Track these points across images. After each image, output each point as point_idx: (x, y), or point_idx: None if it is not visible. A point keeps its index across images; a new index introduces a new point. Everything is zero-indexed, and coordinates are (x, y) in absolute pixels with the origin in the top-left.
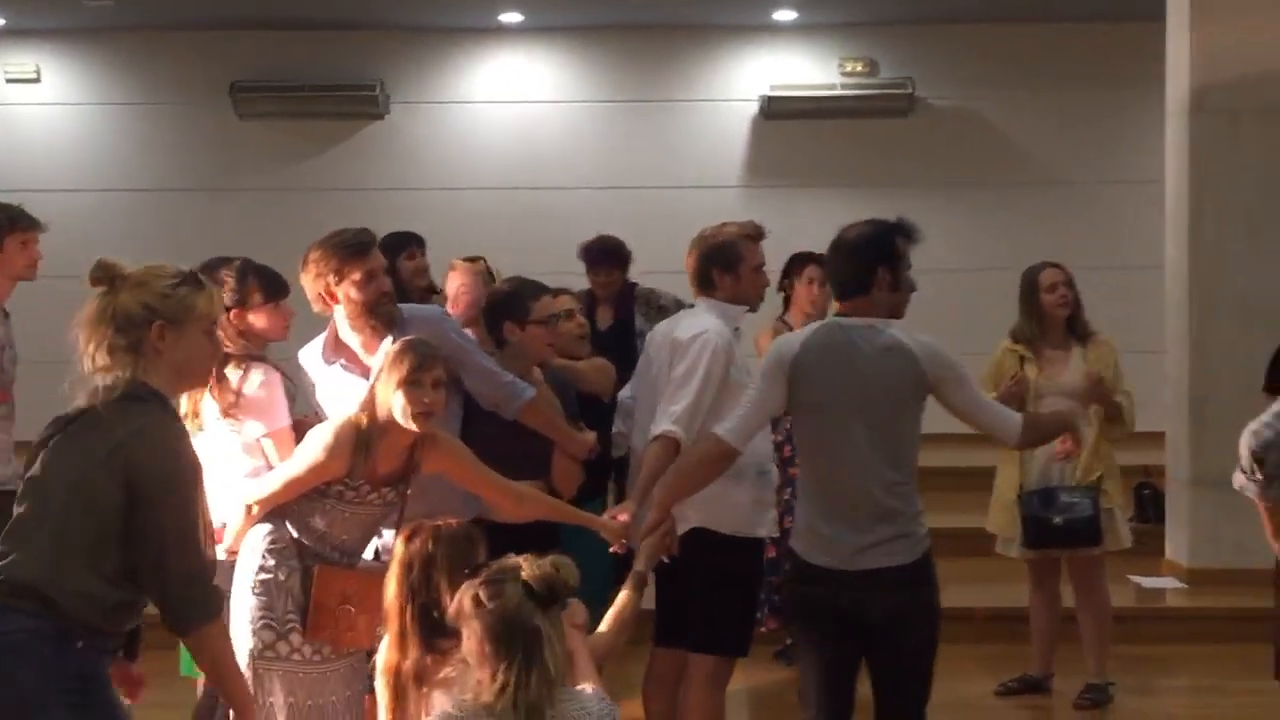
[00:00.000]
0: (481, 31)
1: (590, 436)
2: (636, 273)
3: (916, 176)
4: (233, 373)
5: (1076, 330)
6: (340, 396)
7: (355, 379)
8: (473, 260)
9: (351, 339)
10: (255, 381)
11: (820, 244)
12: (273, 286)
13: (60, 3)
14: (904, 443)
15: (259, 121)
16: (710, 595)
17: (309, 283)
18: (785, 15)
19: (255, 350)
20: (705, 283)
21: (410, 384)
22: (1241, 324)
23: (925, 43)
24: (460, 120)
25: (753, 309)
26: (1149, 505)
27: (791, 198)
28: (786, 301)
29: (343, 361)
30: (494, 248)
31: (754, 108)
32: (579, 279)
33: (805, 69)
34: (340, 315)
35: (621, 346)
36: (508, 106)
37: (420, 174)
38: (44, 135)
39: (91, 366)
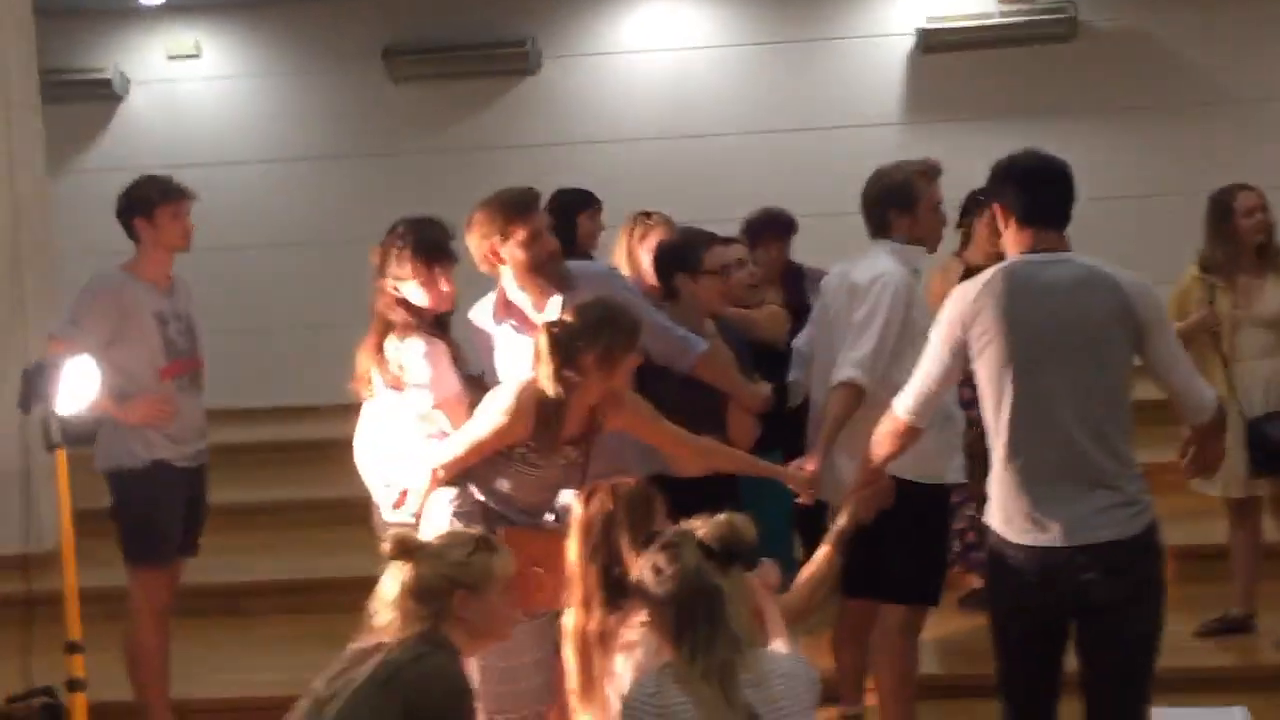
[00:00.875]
0: None
1: (765, 388)
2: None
3: (1082, 104)
4: (392, 346)
5: (1272, 256)
6: (513, 357)
7: (526, 339)
8: (648, 214)
9: (520, 298)
10: (417, 353)
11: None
12: (431, 255)
13: None
14: (1116, 392)
15: (412, 85)
16: (900, 544)
17: (474, 244)
18: None
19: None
20: (881, 224)
21: None
22: None
23: None
24: (611, 72)
25: (931, 249)
26: None
27: (952, 132)
28: (965, 239)
29: (513, 322)
30: (649, 199)
31: (909, 41)
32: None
33: None
34: (508, 275)
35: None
36: (658, 55)
37: (573, 128)
38: (205, 110)
39: (394, 640)
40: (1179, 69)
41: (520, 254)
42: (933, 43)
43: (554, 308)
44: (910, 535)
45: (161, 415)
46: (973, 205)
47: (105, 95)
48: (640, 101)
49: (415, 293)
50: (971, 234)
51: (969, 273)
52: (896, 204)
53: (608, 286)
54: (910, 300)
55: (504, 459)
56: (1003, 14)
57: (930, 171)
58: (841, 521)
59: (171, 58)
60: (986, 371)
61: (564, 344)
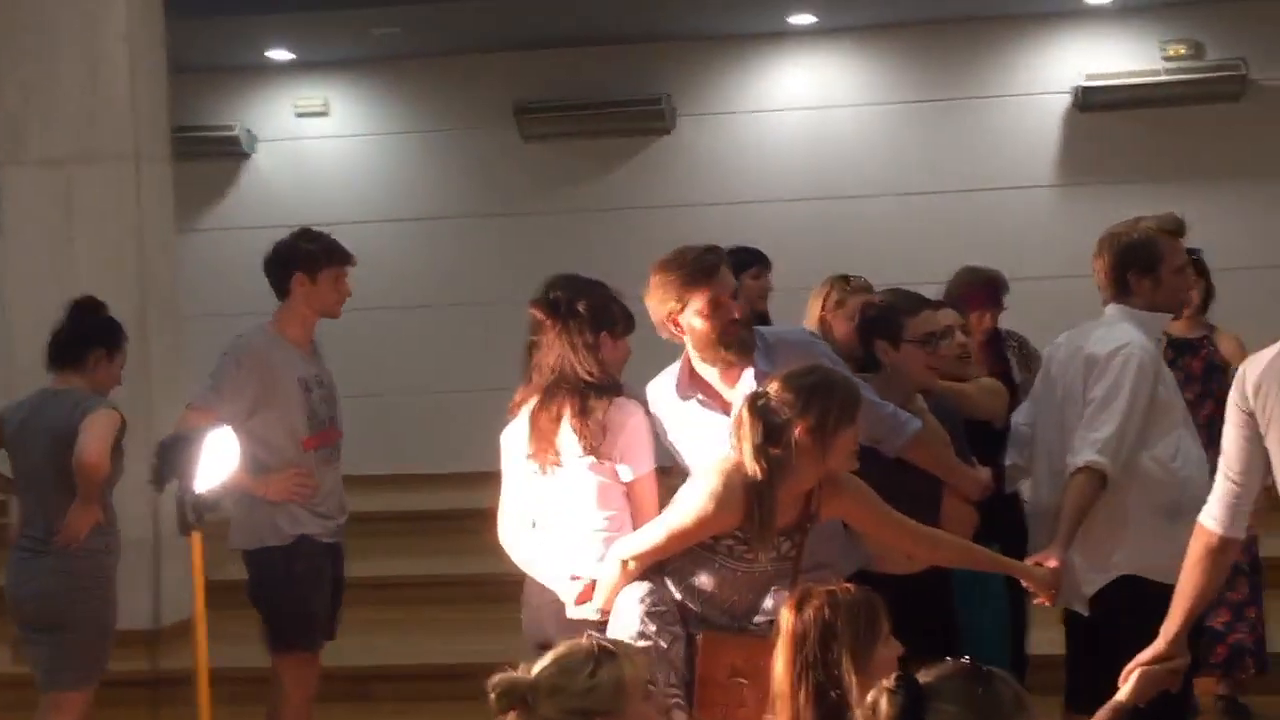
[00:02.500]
0: (770, 36)
1: (985, 473)
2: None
3: (1251, 166)
4: (599, 408)
5: None
6: (700, 436)
7: (715, 415)
8: (846, 279)
9: (707, 371)
10: (624, 416)
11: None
12: (628, 319)
13: (347, 33)
14: None
15: (543, 143)
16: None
17: (652, 309)
18: None
19: (615, 379)
20: (1120, 288)
21: None
22: None
23: (1257, 19)
24: (749, 131)
25: (1176, 315)
26: None
27: (1112, 195)
28: None
29: (700, 396)
30: (788, 262)
31: (1066, 100)
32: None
33: (1123, 55)
34: (689, 346)
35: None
36: (799, 114)
37: (709, 188)
38: (334, 168)
39: None
40: None
41: (701, 324)
42: (1092, 101)
43: (746, 382)
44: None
45: (304, 490)
46: None
47: (232, 153)
48: (779, 161)
49: (609, 355)
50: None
51: (1172, 345)
52: (1137, 265)
53: (809, 355)
54: (1157, 374)
55: (706, 551)
56: (1168, 71)
57: (1174, 228)
58: (1120, 697)
59: (300, 115)
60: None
61: (772, 418)
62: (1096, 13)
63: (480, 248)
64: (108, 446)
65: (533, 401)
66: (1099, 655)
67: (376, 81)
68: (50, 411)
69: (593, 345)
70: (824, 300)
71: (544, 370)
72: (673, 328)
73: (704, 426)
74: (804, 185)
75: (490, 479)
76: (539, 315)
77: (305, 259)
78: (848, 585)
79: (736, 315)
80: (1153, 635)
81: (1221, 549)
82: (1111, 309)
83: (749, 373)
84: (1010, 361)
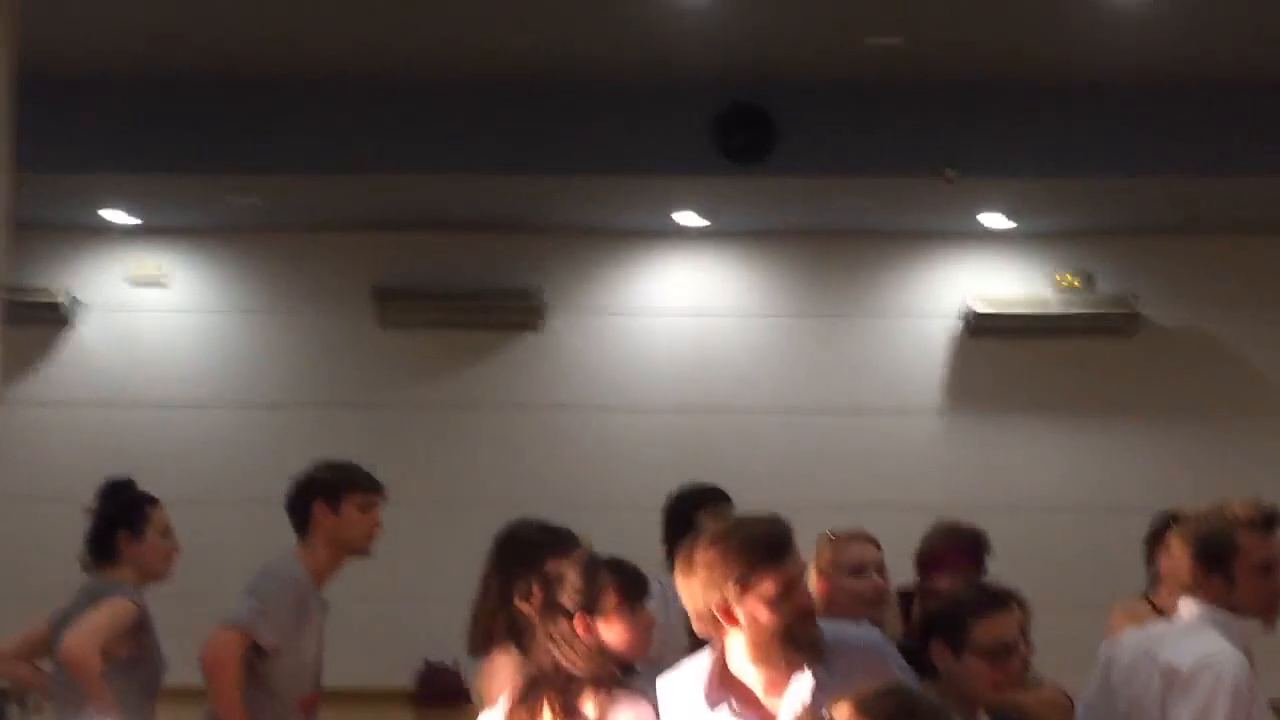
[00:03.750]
0: (654, 235)
1: None
2: (830, 507)
3: (1140, 403)
4: (591, 708)
5: None
6: None
7: None
8: (855, 534)
9: (749, 672)
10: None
11: (1030, 476)
12: (633, 587)
13: (195, 198)
14: None
15: (404, 331)
16: None
17: (694, 593)
18: (994, 221)
19: (611, 671)
20: (1195, 581)
21: None
22: None
23: (1149, 254)
24: (628, 333)
25: (1269, 623)
26: None
27: (999, 424)
28: (1154, 575)
29: (732, 702)
30: (663, 474)
31: (957, 324)
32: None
33: (1015, 281)
34: (737, 641)
35: None
36: (682, 319)
37: (582, 391)
38: (170, 344)
39: None
40: (1246, 374)
41: (766, 614)
42: (982, 326)
43: (801, 689)
44: None
45: None
46: (1162, 530)
47: (53, 319)
48: (657, 368)
49: (614, 633)
50: (1158, 569)
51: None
52: (1208, 558)
53: (879, 662)
54: (1253, 698)
55: None
56: (1060, 301)
57: (1261, 520)
58: None
59: (134, 284)
60: None
61: None
62: (991, 236)
63: (333, 439)
64: (95, 640)
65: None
66: None
67: (224, 253)
68: (73, 610)
69: (570, 634)
70: (817, 562)
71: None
72: (723, 618)
73: None
74: (685, 396)
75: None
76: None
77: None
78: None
79: (808, 605)
80: None
81: None
82: (1189, 604)
83: (805, 678)
84: None
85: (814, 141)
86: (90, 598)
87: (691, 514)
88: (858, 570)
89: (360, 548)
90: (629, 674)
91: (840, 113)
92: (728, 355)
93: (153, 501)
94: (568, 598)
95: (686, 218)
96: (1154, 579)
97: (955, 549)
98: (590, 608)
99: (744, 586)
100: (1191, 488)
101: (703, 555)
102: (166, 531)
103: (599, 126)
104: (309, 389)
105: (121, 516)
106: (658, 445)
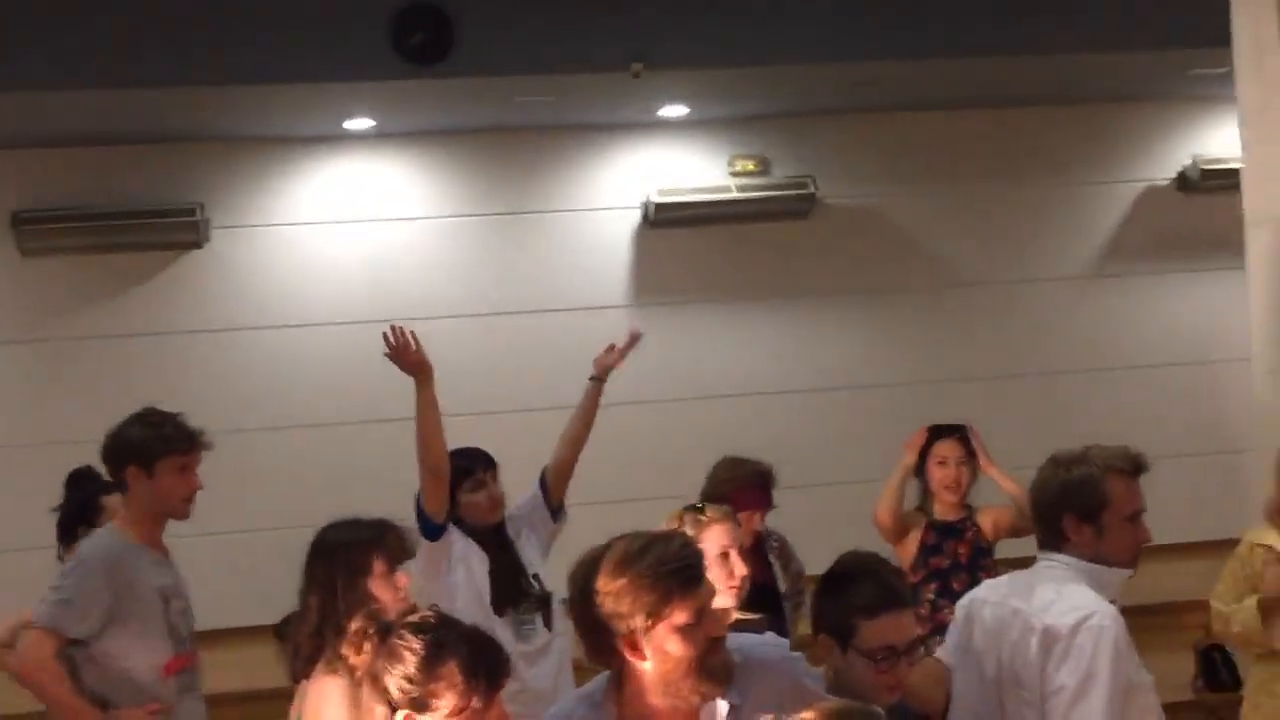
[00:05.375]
0: (323, 141)
1: None
2: (523, 410)
3: (821, 284)
4: None
5: None
6: None
7: None
8: (699, 509)
9: (654, 706)
10: None
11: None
12: (485, 677)
13: None
14: None
15: (49, 258)
16: None
17: (598, 622)
18: (673, 110)
19: None
20: (1057, 531)
21: None
22: None
23: (823, 137)
24: (298, 245)
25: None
26: (1221, 668)
27: (685, 314)
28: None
29: None
30: (344, 394)
31: (637, 215)
32: (454, 422)
33: (693, 170)
34: (640, 673)
35: (774, 625)
36: (359, 227)
37: (250, 311)
38: None
39: None
40: (920, 250)
41: (678, 646)
42: (663, 217)
43: None
44: None
45: None
46: (928, 446)
47: None
48: (332, 280)
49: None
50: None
51: (933, 529)
52: (1075, 508)
53: (788, 676)
54: (1129, 650)
55: None
56: (738, 187)
57: (1129, 466)
58: None
59: None
60: None
61: None
62: (667, 125)
63: None
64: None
65: None
66: None
67: None
68: None
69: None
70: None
71: None
72: (628, 650)
73: None
74: (361, 307)
75: None
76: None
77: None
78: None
79: (721, 632)
80: None
81: None
82: (1049, 558)
83: (720, 709)
84: (774, 567)
85: (494, 39)
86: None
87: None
88: (721, 557)
89: (178, 513)
90: None
91: (520, 9)
92: (408, 261)
93: (108, 489)
94: (396, 687)
95: (360, 123)
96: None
97: (746, 487)
98: (420, 707)
99: (656, 616)
100: (875, 366)
101: (606, 583)
102: None
103: (265, 33)
104: None
105: (79, 509)
106: (338, 360)
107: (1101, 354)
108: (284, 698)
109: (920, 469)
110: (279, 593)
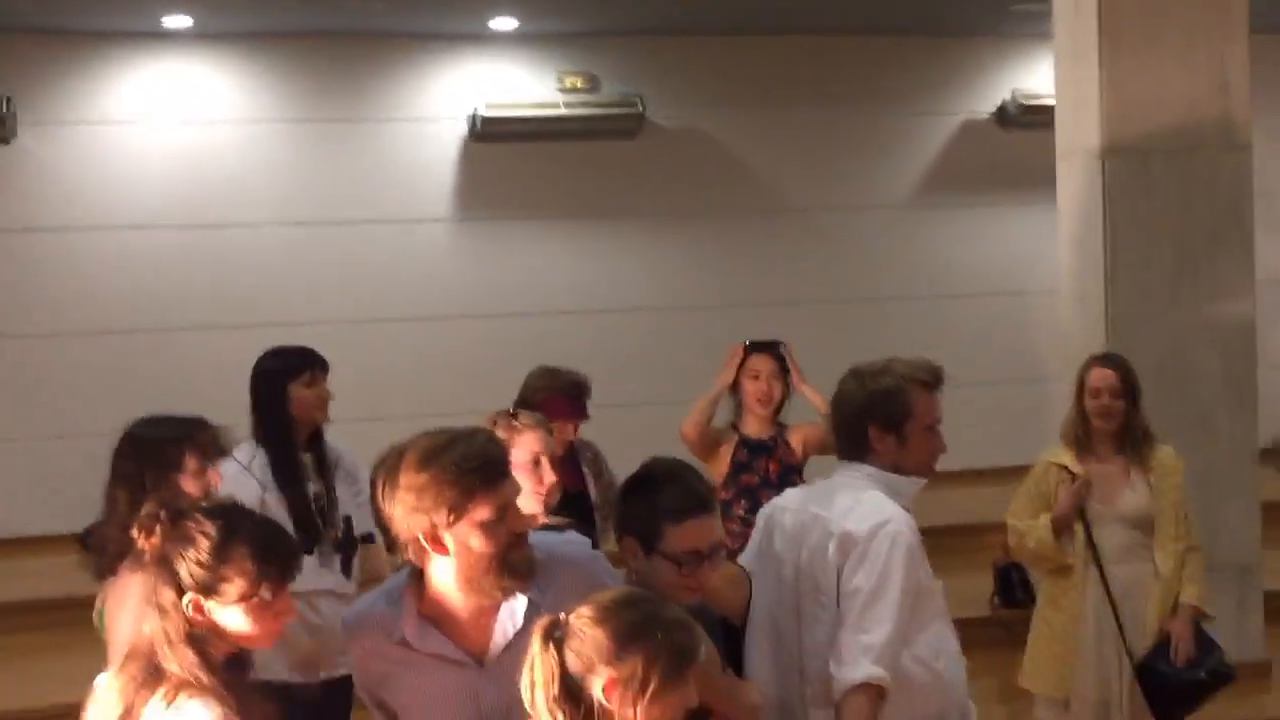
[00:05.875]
0: (139, 37)
1: (756, 692)
2: (341, 318)
3: (645, 205)
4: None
5: (1131, 445)
6: (432, 698)
7: (458, 672)
8: (512, 414)
9: (455, 601)
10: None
11: (542, 281)
12: (276, 566)
13: None
14: None
15: None
16: None
17: (400, 518)
18: (503, 23)
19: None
20: (860, 441)
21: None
22: (1156, 379)
23: (652, 56)
24: (110, 145)
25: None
26: (1017, 585)
27: (507, 231)
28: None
29: (436, 634)
30: (158, 300)
31: (463, 129)
32: (268, 331)
33: (522, 84)
34: (443, 570)
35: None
36: (171, 128)
37: (59, 211)
38: None
39: None
40: (743, 175)
41: (481, 541)
42: (489, 131)
43: (514, 614)
44: None
45: None
46: (749, 353)
47: None
48: (146, 181)
49: (236, 619)
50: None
51: (746, 445)
52: (879, 418)
53: (589, 575)
54: (922, 556)
55: None
56: (566, 104)
57: (929, 378)
58: None
59: None
60: None
61: (575, 661)
62: (496, 39)
63: None
64: None
65: None
66: None
67: None
68: None
69: (174, 609)
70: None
71: None
72: (431, 545)
73: (442, 680)
74: (173, 210)
75: None
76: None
77: None
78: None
79: (523, 528)
80: None
81: None
82: (848, 467)
83: (519, 604)
84: (586, 476)
85: None
86: None
87: (283, 386)
88: (531, 464)
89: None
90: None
91: None
92: (225, 165)
93: None
94: (186, 570)
95: (179, 20)
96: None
97: (560, 397)
98: (208, 591)
99: (459, 512)
100: (699, 287)
101: (409, 479)
102: None
103: None
104: None
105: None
106: (148, 265)
107: (919, 282)
108: (83, 606)
109: (734, 385)
110: (81, 501)
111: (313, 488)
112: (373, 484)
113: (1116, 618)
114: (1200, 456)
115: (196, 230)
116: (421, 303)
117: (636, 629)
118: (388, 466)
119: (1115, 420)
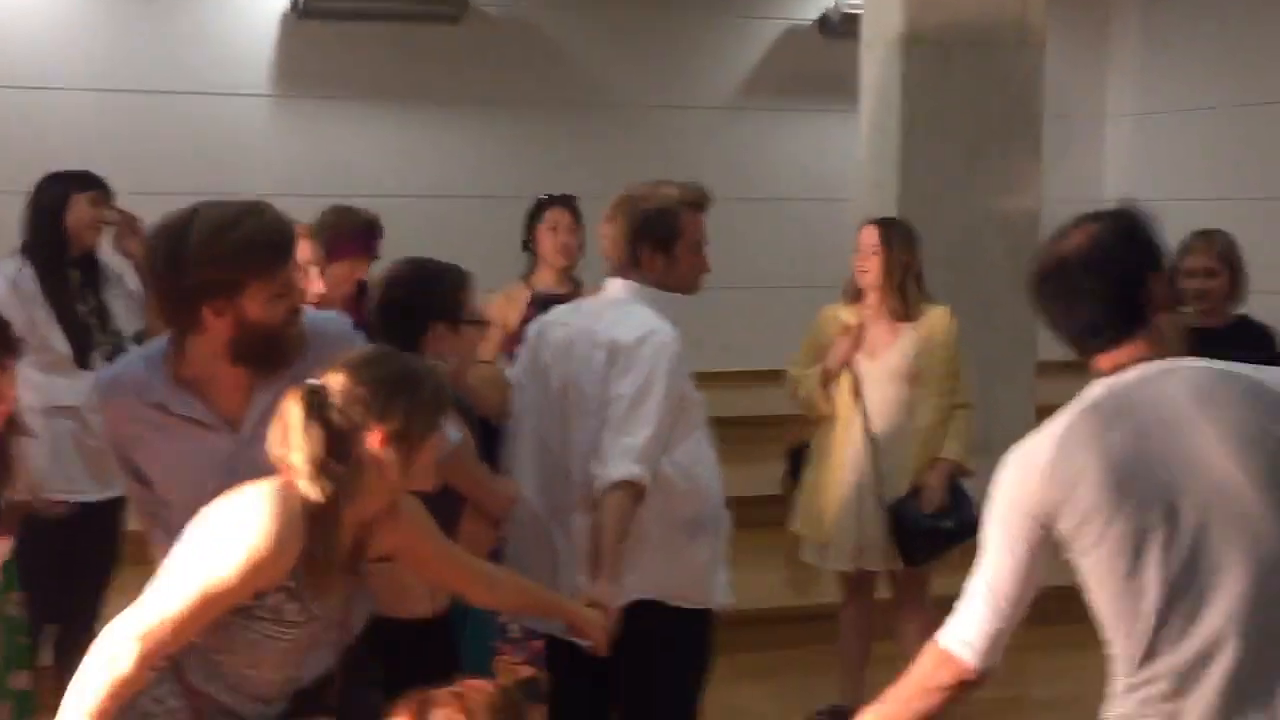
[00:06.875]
0: None
1: (512, 485)
2: (157, 194)
3: (467, 92)
4: None
5: (900, 300)
6: (185, 462)
7: (213, 437)
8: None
9: (217, 369)
10: None
11: (362, 163)
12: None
13: None
14: None
15: None
16: (654, 681)
17: (175, 288)
18: None
19: None
20: (630, 260)
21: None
22: (948, 267)
23: None
24: None
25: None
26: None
27: (327, 111)
28: (532, 259)
29: (194, 403)
30: None
31: (286, 2)
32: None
33: None
34: (209, 339)
35: None
36: None
37: None
38: None
39: None
40: (565, 67)
41: (260, 312)
42: (312, 8)
43: (271, 385)
44: (665, 671)
45: None
46: (539, 213)
47: None
48: None
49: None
50: (536, 251)
51: (539, 301)
52: (651, 238)
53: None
54: (685, 369)
55: (242, 617)
56: None
57: (698, 200)
58: None
59: None
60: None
61: (337, 422)
62: None
63: None
64: None
65: None
66: (608, 688)
67: None
68: None
69: None
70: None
71: None
72: (211, 315)
73: (190, 444)
74: None
75: None
76: None
77: None
78: (476, 682)
79: (299, 304)
80: (671, 662)
81: (974, 685)
82: (618, 283)
83: (281, 379)
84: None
85: None
86: None
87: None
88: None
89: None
90: None
91: None
92: (27, 27)
93: None
94: None
95: None
96: (532, 261)
97: (347, 236)
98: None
99: (240, 286)
100: (515, 176)
101: (201, 251)
102: None
103: None
104: None
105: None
106: None
107: (733, 183)
108: None
109: (529, 240)
110: None
111: (85, 307)
112: (152, 254)
113: (877, 467)
114: (984, 342)
115: (3, 90)
116: (240, 179)
117: (397, 382)
118: (171, 237)
119: (873, 276)
